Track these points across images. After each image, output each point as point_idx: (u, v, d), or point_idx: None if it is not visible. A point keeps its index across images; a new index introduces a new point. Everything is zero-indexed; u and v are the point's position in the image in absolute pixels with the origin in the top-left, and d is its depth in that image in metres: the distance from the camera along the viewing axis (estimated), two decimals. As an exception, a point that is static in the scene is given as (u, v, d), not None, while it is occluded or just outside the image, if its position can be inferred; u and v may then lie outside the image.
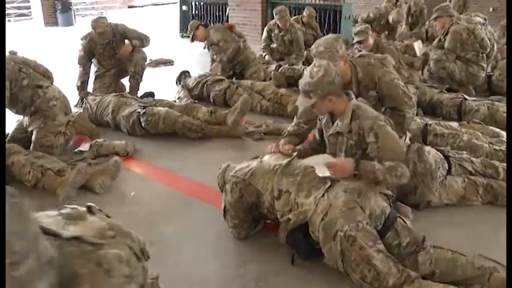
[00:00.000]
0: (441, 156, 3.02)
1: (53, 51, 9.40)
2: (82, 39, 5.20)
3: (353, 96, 2.57)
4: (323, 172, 2.34)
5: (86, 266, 1.08)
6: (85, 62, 5.26)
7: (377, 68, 3.02)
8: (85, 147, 3.88)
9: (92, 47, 5.16)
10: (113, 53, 5.23)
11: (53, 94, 3.70)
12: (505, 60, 5.80)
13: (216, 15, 10.56)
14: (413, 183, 2.88)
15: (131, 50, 5.23)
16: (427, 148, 3.04)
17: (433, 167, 2.90)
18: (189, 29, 6.04)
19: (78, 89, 5.25)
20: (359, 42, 5.02)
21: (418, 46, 5.99)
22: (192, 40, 6.02)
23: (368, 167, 2.34)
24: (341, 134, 2.55)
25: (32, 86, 3.60)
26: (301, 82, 2.52)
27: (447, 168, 3.01)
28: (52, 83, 3.80)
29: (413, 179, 2.88)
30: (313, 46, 3.02)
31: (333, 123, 2.58)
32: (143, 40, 5.23)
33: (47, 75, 3.78)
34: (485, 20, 5.99)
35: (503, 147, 3.50)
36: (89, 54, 5.22)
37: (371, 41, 5.04)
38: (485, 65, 5.33)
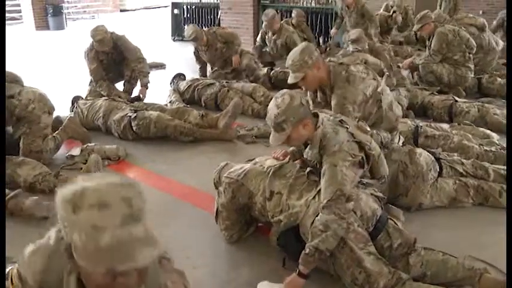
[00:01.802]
0: (433, 158, 3.04)
1: (44, 55, 9.37)
2: (86, 54, 5.07)
3: (320, 123, 2.36)
4: None
5: None
6: (101, 73, 5.12)
7: (341, 80, 2.97)
8: (76, 151, 3.86)
9: (99, 57, 5.08)
10: (113, 63, 5.19)
11: (28, 98, 3.55)
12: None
13: (208, 19, 10.56)
14: (405, 186, 2.90)
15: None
16: (419, 150, 3.05)
17: (424, 169, 2.92)
18: (190, 33, 5.84)
19: (110, 96, 4.93)
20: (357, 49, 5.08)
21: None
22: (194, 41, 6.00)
23: (312, 263, 2.14)
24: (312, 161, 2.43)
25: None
26: (270, 118, 2.32)
27: (438, 170, 3.02)
28: (23, 85, 3.65)
29: (404, 181, 2.90)
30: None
31: (305, 146, 2.46)
32: (143, 63, 5.18)
33: (16, 80, 3.61)
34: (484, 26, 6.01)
35: (493, 148, 3.53)
36: (100, 63, 5.10)
37: (366, 45, 5.09)
38: (472, 66, 5.37)
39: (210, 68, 6.21)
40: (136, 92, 5.34)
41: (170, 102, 5.23)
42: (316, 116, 2.37)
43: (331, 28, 8.62)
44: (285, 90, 2.38)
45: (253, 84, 5.44)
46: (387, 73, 3.61)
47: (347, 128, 2.32)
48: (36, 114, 3.59)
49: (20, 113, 3.54)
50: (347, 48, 5.56)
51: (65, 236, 1.08)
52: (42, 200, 3.03)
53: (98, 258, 1.03)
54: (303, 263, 2.14)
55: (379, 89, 3.09)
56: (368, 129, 2.53)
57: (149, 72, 5.28)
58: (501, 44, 6.07)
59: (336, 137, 2.25)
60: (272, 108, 2.31)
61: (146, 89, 5.20)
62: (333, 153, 2.21)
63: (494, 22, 7.64)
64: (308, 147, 2.40)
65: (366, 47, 5.04)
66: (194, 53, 6.29)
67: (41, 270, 1.27)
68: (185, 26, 10.85)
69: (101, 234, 1.02)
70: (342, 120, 2.39)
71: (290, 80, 2.96)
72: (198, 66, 6.41)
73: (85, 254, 1.04)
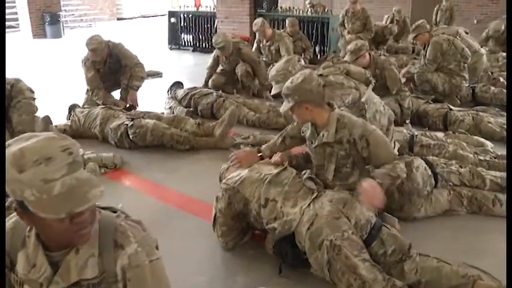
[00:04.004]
0: (430, 173, 3.00)
1: (41, 63, 9.38)
2: (83, 63, 5.09)
3: (335, 105, 2.60)
4: None
5: None
6: (97, 81, 5.10)
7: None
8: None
9: (96, 66, 5.09)
10: (110, 72, 5.19)
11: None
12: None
13: (205, 28, 10.61)
14: (400, 202, 2.89)
15: None
16: (416, 163, 2.97)
17: (420, 187, 2.90)
18: (219, 41, 5.72)
19: (106, 104, 4.87)
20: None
21: None
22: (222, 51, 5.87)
23: (384, 174, 2.36)
24: (328, 145, 2.55)
25: None
26: (285, 85, 2.58)
27: (434, 185, 3.01)
28: None
29: (399, 198, 2.88)
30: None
31: (318, 134, 2.59)
32: (140, 68, 5.18)
33: None
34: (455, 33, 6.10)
35: (488, 157, 3.56)
36: (96, 72, 5.10)
37: (367, 58, 4.73)
38: (467, 75, 5.42)
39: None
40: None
41: (170, 108, 5.27)
42: (329, 104, 2.59)
43: (327, 37, 8.70)
44: (309, 70, 2.63)
45: (256, 101, 5.42)
46: (373, 81, 3.61)
47: None
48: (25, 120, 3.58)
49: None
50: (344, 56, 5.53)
51: (15, 195, 1.15)
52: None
53: (56, 207, 1.13)
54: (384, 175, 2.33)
55: (363, 99, 3.12)
56: None
57: (143, 78, 5.24)
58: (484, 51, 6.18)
59: (352, 116, 2.53)
60: (289, 79, 2.57)
61: (135, 91, 5.12)
62: (364, 124, 2.49)
63: (484, 34, 7.74)
64: (323, 130, 2.53)
65: (367, 59, 4.70)
66: (214, 58, 6.13)
67: (9, 228, 1.35)
68: (182, 35, 10.95)
69: (52, 185, 1.13)
70: None
71: (274, 91, 3.01)
72: (194, 75, 6.37)
73: (41, 206, 1.13)
